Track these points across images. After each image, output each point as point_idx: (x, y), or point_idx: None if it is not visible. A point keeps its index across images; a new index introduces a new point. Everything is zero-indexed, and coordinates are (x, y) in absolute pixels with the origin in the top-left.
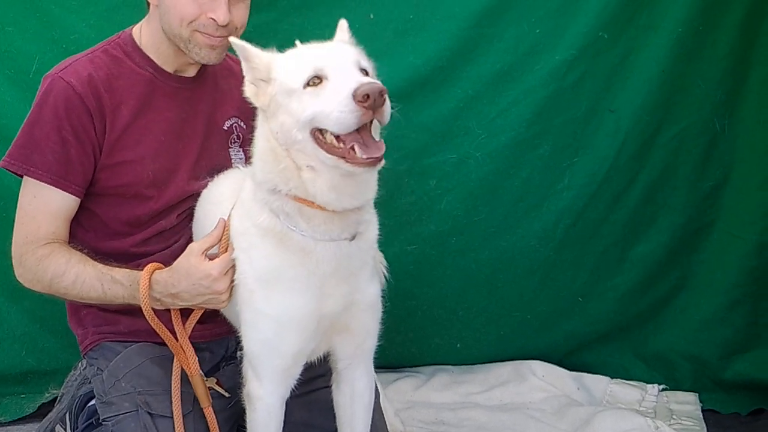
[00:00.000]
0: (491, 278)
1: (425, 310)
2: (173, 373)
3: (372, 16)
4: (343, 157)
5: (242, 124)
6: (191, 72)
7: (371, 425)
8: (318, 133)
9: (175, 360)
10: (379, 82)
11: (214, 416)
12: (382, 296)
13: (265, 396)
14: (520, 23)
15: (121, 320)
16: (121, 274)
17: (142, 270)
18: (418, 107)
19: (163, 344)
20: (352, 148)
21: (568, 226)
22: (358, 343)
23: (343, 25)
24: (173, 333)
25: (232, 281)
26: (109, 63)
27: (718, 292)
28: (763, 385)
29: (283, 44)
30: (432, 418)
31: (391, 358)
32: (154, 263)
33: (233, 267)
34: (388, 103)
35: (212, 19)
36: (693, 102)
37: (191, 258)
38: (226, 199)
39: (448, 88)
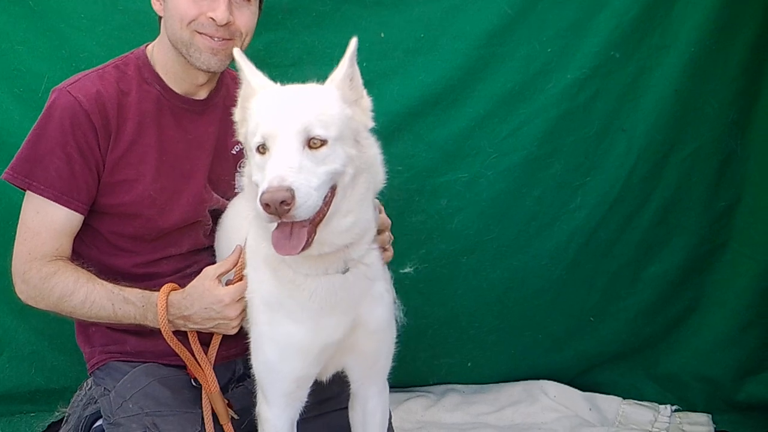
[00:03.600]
0: (503, 297)
1: (436, 329)
2: (203, 394)
3: (383, 35)
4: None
5: None
6: (201, 95)
7: None
8: None
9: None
10: (290, 182)
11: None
12: (401, 314)
13: (273, 418)
14: (531, 42)
15: (129, 340)
16: (134, 294)
17: (153, 290)
18: (429, 126)
19: (170, 365)
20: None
21: (581, 245)
22: (368, 364)
23: (353, 44)
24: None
25: (244, 309)
26: (119, 79)
27: (731, 313)
28: None
29: (294, 63)
30: None
31: (402, 378)
32: (170, 284)
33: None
34: (307, 203)
35: (212, 18)
36: (706, 122)
37: (205, 281)
38: (244, 220)
39: (459, 107)
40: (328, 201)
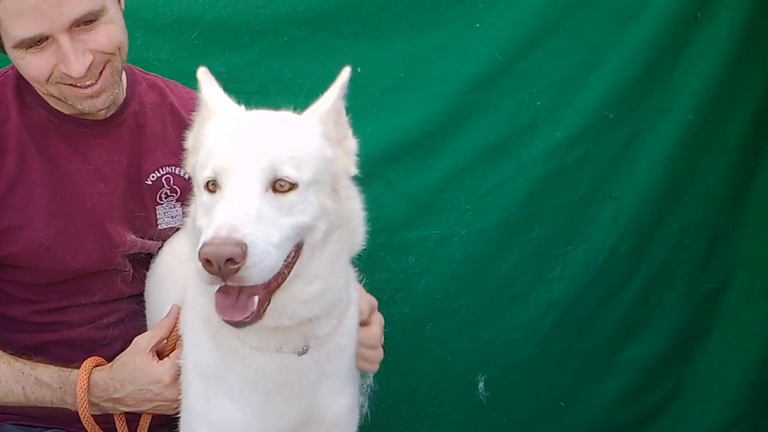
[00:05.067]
0: (468, 373)
1: (390, 404)
2: None
3: (359, 70)
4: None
5: (180, 172)
6: (102, 114)
7: None
8: None
9: None
10: (243, 234)
11: None
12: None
13: None
14: (520, 93)
15: None
16: (48, 374)
17: (72, 367)
18: (402, 175)
19: None
20: None
21: (556, 320)
22: None
23: (345, 73)
24: None
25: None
26: None
27: (714, 408)
28: None
29: (258, 91)
30: None
31: None
32: (94, 358)
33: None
34: (263, 264)
35: (65, 73)
36: (698, 196)
37: (137, 357)
38: (182, 264)
39: (436, 156)
40: (290, 262)
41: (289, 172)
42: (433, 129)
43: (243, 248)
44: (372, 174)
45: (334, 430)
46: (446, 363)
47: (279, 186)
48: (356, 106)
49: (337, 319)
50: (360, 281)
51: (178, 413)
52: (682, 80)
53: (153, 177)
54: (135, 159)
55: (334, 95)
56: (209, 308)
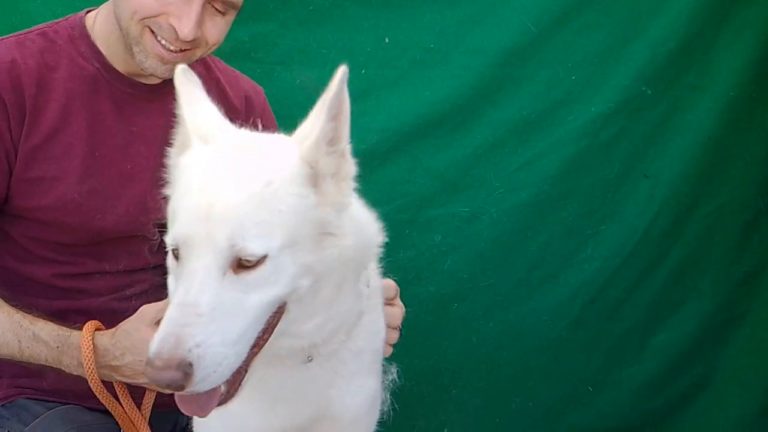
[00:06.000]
0: (493, 355)
1: (413, 385)
2: None
3: (387, 40)
4: None
5: None
6: (152, 80)
7: None
8: None
9: None
10: (188, 348)
11: None
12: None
13: None
14: (555, 67)
15: (46, 374)
16: (47, 331)
17: (73, 328)
18: (430, 150)
19: (96, 410)
20: None
21: (586, 303)
22: None
23: (339, 76)
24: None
25: None
26: (45, 49)
27: (748, 394)
28: None
29: (282, 61)
30: None
31: None
32: (93, 322)
33: None
34: (215, 374)
35: (173, 26)
36: (736, 176)
37: (142, 327)
38: None
39: (466, 131)
40: (270, 325)
41: (253, 248)
42: (463, 103)
43: (187, 369)
44: (398, 149)
45: (352, 426)
46: (471, 344)
47: (245, 262)
48: (383, 77)
49: (345, 335)
50: (383, 259)
51: None
52: (723, 56)
53: None
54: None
55: (321, 118)
56: None
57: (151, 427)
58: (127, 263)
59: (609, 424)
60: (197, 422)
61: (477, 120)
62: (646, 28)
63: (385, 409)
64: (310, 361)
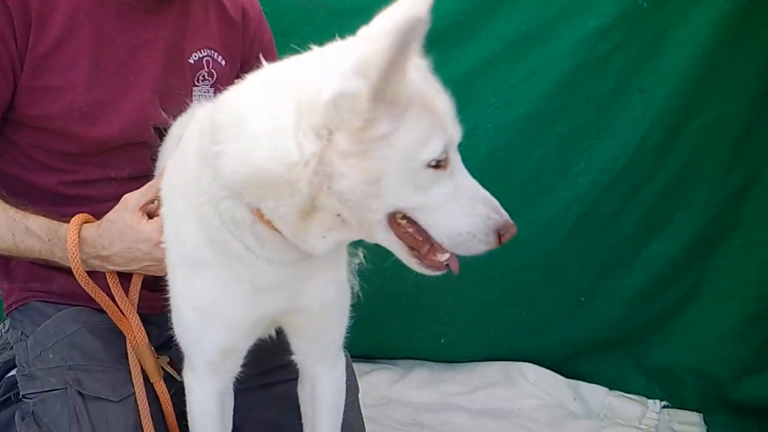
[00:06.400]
0: (489, 267)
1: (410, 296)
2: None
3: None
4: (415, 249)
5: (219, 58)
6: None
7: (345, 423)
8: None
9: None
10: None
11: (167, 392)
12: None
13: (197, 388)
14: None
15: (57, 278)
16: (38, 224)
17: (63, 220)
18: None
19: (104, 311)
20: (430, 247)
21: (580, 215)
22: (309, 339)
23: (412, 27)
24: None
25: None
26: None
27: (736, 303)
28: None
29: None
30: (409, 418)
31: (366, 348)
32: (82, 215)
33: None
34: None
35: None
36: (729, 90)
37: (126, 215)
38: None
39: (464, 47)
40: None
41: None
42: (461, 18)
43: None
44: None
45: (323, 314)
46: (466, 256)
47: None
48: None
49: None
50: None
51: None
52: None
53: (195, 57)
54: (179, 39)
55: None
56: (212, 216)
57: (157, 326)
58: (131, 170)
59: (600, 335)
60: (180, 311)
61: (474, 35)
62: None
63: (356, 291)
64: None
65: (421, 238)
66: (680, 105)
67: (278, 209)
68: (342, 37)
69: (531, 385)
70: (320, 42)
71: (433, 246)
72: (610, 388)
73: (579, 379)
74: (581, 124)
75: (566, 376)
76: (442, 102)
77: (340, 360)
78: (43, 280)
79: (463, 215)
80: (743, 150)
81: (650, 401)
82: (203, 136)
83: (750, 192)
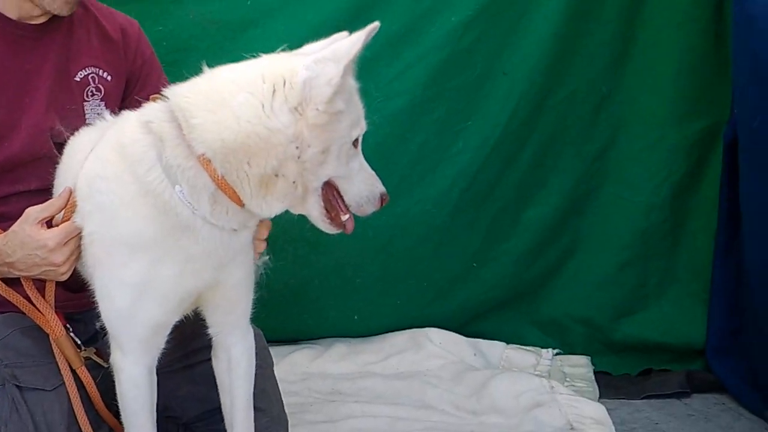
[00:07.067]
0: (387, 245)
1: (322, 279)
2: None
3: None
4: (328, 212)
5: (104, 74)
6: (39, 20)
7: (263, 393)
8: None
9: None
10: None
11: (90, 377)
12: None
13: (128, 367)
14: None
15: None
16: None
17: None
18: None
19: None
20: (338, 212)
21: (463, 190)
22: (226, 311)
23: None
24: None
25: (76, 253)
26: None
27: (608, 254)
28: (651, 346)
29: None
30: (328, 388)
31: (288, 331)
32: None
33: (76, 236)
34: None
35: None
36: (581, 65)
37: (26, 226)
38: (81, 150)
39: None
40: None
41: None
42: (340, 23)
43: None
44: None
45: (236, 288)
46: (368, 238)
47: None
48: (267, 5)
49: None
50: None
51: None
52: None
53: (80, 74)
54: (65, 60)
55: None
56: (161, 184)
57: (83, 323)
58: (38, 183)
59: (495, 294)
60: (111, 295)
61: None
62: None
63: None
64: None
65: (333, 203)
66: (540, 83)
67: (249, 173)
68: (235, 50)
69: (436, 347)
70: (217, 54)
71: (339, 209)
72: (508, 343)
73: (480, 338)
74: (455, 109)
75: (469, 337)
76: (361, 104)
77: (249, 331)
78: None
79: (365, 184)
80: (599, 118)
81: (544, 350)
82: (157, 123)
83: (609, 154)
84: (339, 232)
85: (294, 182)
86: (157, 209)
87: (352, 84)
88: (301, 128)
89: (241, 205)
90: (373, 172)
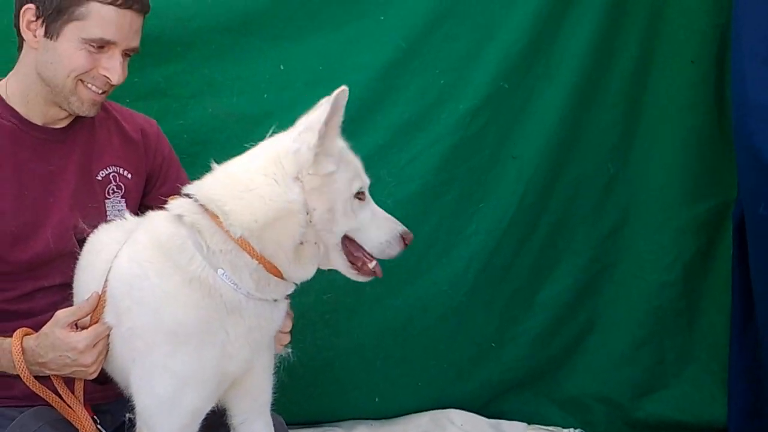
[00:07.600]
0: (407, 326)
1: (343, 361)
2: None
3: (282, 68)
4: (354, 264)
5: (124, 172)
6: (62, 123)
7: None
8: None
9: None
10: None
11: None
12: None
13: None
14: (425, 74)
15: (16, 385)
16: None
17: (8, 336)
18: None
19: None
20: (364, 262)
21: (478, 271)
22: (253, 397)
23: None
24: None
25: (104, 352)
26: None
27: (624, 332)
28: (672, 425)
29: (194, 95)
30: None
31: (309, 413)
32: (23, 329)
33: (105, 337)
34: None
35: (105, 76)
36: (589, 147)
37: (56, 329)
38: (105, 249)
39: (359, 137)
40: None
41: None
42: (354, 114)
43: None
44: None
45: (263, 373)
46: (386, 319)
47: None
48: (283, 99)
49: None
50: None
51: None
52: (564, 46)
53: (102, 173)
54: (87, 160)
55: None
56: (204, 270)
57: (110, 414)
58: (62, 278)
59: (514, 375)
60: (153, 384)
61: (367, 126)
62: (498, 32)
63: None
64: (276, 300)
65: (357, 254)
66: (548, 166)
67: (281, 244)
68: (252, 141)
69: (458, 429)
70: (236, 146)
71: (365, 259)
72: (529, 423)
73: (502, 418)
74: (467, 192)
75: (490, 417)
76: (357, 159)
77: (270, 419)
78: (4, 388)
79: (381, 230)
80: (609, 198)
81: (565, 430)
82: (189, 216)
83: (621, 233)
84: (371, 279)
85: (316, 243)
86: (201, 294)
87: (341, 145)
88: (305, 195)
89: (280, 275)
90: (389, 216)
